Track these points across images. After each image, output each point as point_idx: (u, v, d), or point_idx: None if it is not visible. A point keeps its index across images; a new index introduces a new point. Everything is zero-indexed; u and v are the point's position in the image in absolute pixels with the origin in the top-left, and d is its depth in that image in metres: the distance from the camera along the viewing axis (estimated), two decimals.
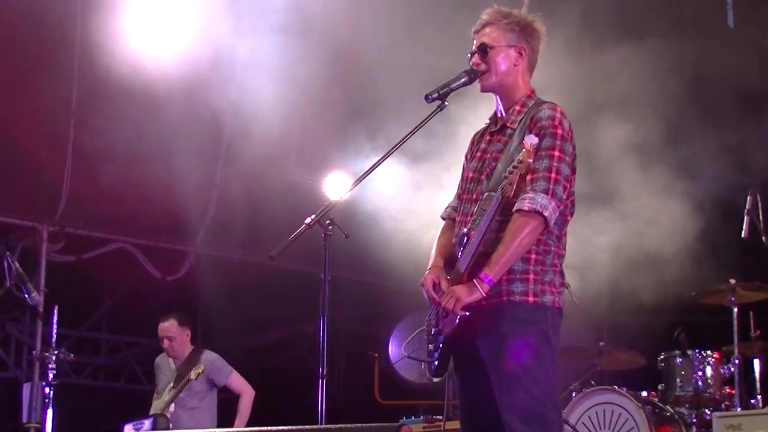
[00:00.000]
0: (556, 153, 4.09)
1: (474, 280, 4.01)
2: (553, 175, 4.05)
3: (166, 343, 8.04)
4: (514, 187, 3.90)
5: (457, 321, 4.08)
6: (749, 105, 8.11)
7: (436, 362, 4.26)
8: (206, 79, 8.73)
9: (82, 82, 9.16)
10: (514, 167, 3.89)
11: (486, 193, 4.15)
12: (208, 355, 8.03)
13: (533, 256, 4.11)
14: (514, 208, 4.02)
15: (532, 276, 4.10)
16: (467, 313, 4.05)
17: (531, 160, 3.90)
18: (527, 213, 4.00)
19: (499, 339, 4.06)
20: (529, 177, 4.01)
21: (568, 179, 4.12)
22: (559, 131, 4.12)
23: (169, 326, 8.05)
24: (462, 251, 4.14)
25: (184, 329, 8.08)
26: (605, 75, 7.93)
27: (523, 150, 3.90)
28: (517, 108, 4.29)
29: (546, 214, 4.01)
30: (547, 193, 4.02)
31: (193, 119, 9.16)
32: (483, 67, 4.31)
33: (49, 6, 8.85)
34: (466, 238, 4.13)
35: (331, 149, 8.65)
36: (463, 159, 4.50)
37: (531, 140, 3.90)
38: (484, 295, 4.01)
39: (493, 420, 4.10)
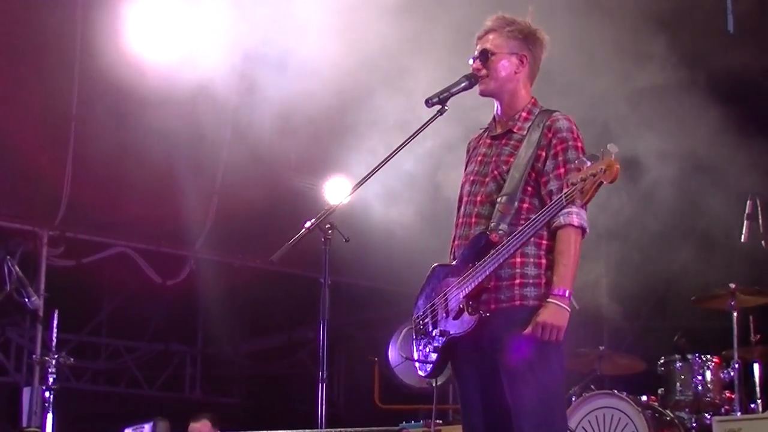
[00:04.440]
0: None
1: (553, 299, 4.05)
2: None
3: None
4: (589, 195, 3.86)
5: (474, 324, 4.09)
6: (749, 108, 8.11)
7: (433, 364, 4.26)
8: (207, 83, 8.73)
9: (83, 87, 9.17)
10: (593, 175, 3.82)
11: (504, 196, 4.18)
12: None
13: (544, 262, 4.16)
14: (563, 222, 4.10)
15: (543, 281, 4.14)
16: (487, 314, 4.09)
17: (618, 167, 3.82)
18: (577, 228, 4.11)
19: (511, 342, 4.08)
20: (566, 190, 4.05)
21: None
22: (579, 143, 4.22)
23: (201, 427, 7.98)
24: (475, 250, 4.16)
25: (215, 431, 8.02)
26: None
27: (604, 158, 3.81)
28: (524, 114, 4.34)
29: (588, 229, 4.16)
30: (584, 208, 4.12)
31: (194, 124, 9.16)
32: (483, 72, 4.37)
33: (50, 10, 8.85)
34: (485, 238, 4.14)
35: (331, 153, 8.65)
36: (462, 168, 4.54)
37: (613, 149, 3.82)
38: (569, 310, 4.07)
39: (495, 422, 4.15)
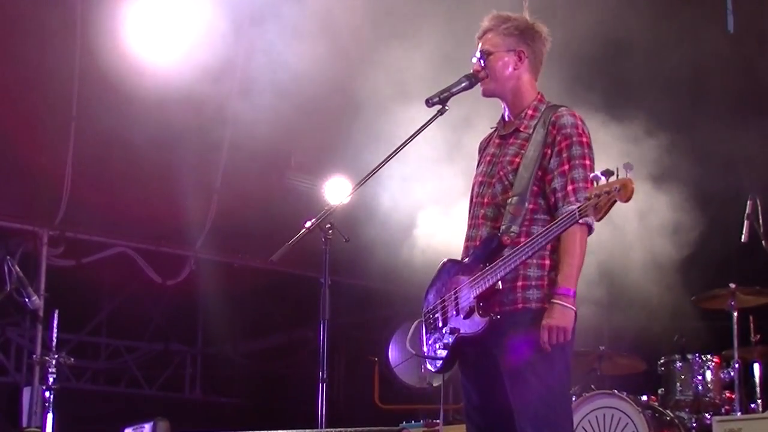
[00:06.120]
0: (587, 162, 4.17)
1: (557, 300, 4.03)
2: (589, 185, 4.07)
3: None
4: (603, 212, 3.77)
5: (485, 325, 4.10)
6: (749, 109, 8.11)
7: (443, 360, 4.27)
8: (207, 83, 8.74)
9: (83, 87, 9.17)
10: (607, 192, 3.72)
11: (515, 197, 4.17)
12: None
13: (548, 263, 4.15)
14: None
15: (546, 282, 4.13)
16: (498, 316, 4.08)
17: (633, 187, 3.72)
18: (582, 225, 4.05)
19: (514, 345, 4.08)
20: (570, 187, 4.10)
21: None
22: (584, 139, 4.21)
23: None
24: (486, 251, 4.16)
25: None
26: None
27: (620, 177, 3.71)
28: (530, 112, 4.33)
29: (593, 226, 4.11)
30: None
31: (194, 123, 9.16)
32: (483, 73, 4.37)
33: (50, 10, 8.85)
34: (497, 240, 4.13)
35: (331, 153, 8.65)
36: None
37: (629, 168, 3.70)
38: (574, 309, 4.06)
39: (498, 423, 4.16)
